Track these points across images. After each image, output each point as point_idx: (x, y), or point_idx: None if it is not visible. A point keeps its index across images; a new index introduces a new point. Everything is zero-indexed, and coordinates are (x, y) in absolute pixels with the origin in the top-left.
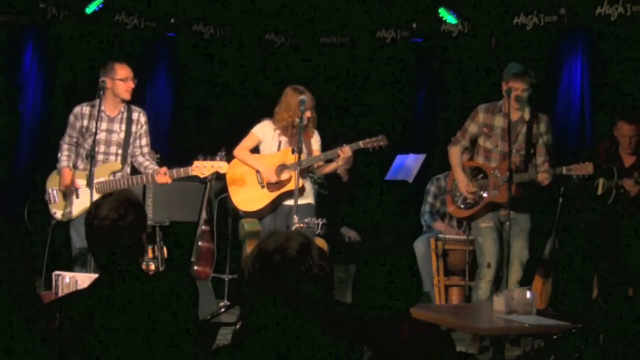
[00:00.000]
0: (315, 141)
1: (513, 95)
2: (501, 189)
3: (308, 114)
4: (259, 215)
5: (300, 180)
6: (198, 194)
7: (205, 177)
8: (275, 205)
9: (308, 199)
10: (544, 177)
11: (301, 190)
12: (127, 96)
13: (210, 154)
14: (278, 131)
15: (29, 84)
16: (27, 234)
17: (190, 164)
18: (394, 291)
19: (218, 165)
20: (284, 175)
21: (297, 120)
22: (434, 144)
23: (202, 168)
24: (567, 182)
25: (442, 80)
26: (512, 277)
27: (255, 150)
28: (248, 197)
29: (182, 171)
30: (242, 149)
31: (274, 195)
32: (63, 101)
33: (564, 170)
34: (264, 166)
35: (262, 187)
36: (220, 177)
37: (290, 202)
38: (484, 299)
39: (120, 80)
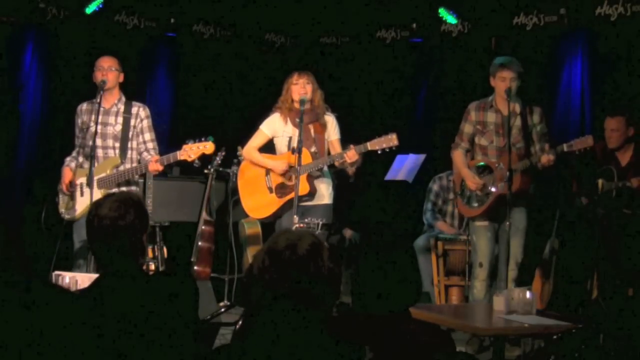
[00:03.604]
0: (333, 131)
1: (502, 86)
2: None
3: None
4: (269, 220)
5: (313, 183)
6: (198, 194)
7: (193, 161)
8: (284, 210)
9: (324, 199)
10: (546, 159)
11: (312, 193)
12: (107, 85)
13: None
14: (286, 125)
15: (29, 84)
16: (40, 234)
17: (179, 148)
18: (393, 291)
19: (204, 146)
20: (292, 179)
21: (295, 105)
22: (434, 144)
23: (189, 151)
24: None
25: (442, 81)
26: (508, 275)
27: (269, 147)
28: (258, 203)
29: (171, 157)
30: (249, 149)
31: (282, 201)
32: (63, 101)
33: (565, 147)
34: (275, 164)
35: (271, 192)
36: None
37: (302, 202)
38: (479, 298)
39: (98, 70)
